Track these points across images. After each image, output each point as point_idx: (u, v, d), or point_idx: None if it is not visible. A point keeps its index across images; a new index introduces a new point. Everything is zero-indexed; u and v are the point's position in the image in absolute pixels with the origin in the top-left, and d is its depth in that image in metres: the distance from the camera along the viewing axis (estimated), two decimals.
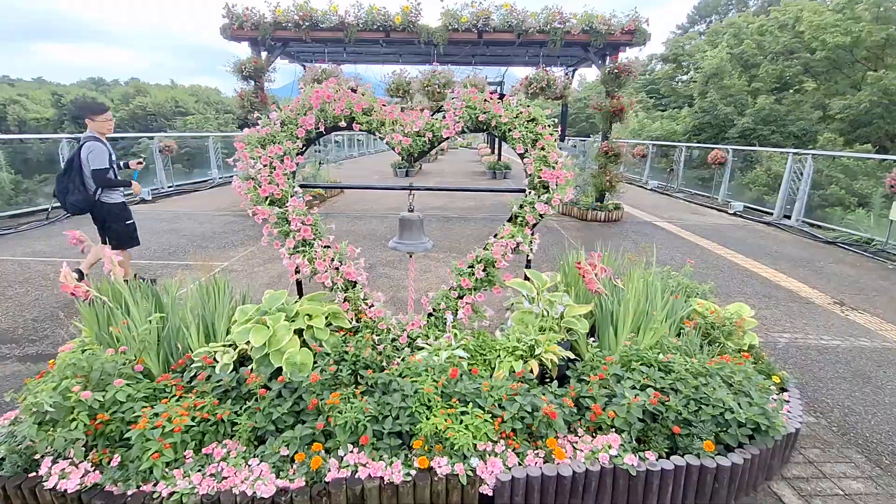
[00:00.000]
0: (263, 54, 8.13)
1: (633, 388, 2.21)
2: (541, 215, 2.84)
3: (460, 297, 2.72)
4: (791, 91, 19.85)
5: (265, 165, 2.77)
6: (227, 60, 7.75)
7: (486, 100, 2.99)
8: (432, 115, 2.98)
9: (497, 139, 18.19)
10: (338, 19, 7.35)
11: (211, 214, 8.25)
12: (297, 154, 2.91)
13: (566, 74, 11.17)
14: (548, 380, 2.46)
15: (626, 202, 10.80)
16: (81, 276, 4.36)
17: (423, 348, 2.56)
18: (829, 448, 2.44)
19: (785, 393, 2.54)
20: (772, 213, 8.94)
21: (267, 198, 2.74)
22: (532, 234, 2.86)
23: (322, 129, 2.93)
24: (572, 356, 2.57)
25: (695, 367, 2.34)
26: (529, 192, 2.90)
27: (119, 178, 4.47)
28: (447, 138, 3.00)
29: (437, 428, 1.99)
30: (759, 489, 2.14)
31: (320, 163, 11.27)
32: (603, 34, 7.39)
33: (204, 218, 7.91)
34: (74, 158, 4.21)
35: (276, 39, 7.68)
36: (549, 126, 3.04)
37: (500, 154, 15.97)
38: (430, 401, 2.12)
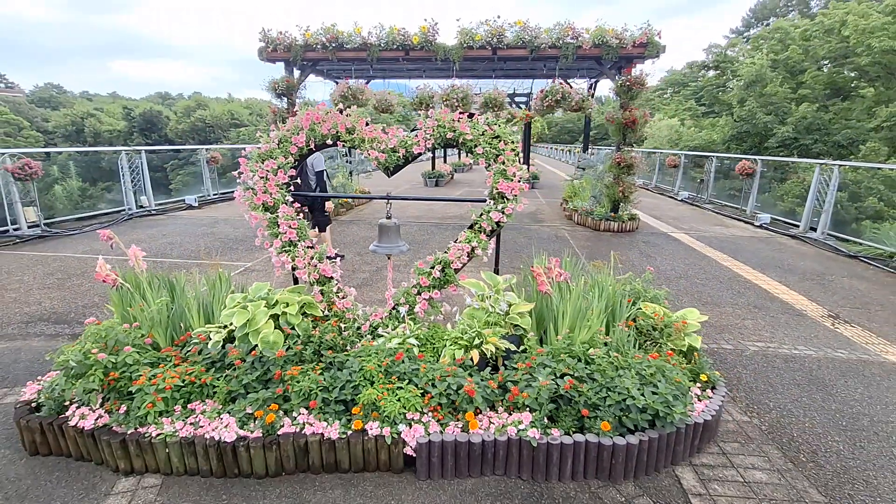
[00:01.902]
0: (296, 73, 8.89)
1: (553, 375, 2.49)
2: (497, 223, 3.17)
3: (419, 294, 3.09)
4: (840, 99, 18.72)
5: (262, 178, 3.27)
6: (266, 77, 8.55)
7: (454, 119, 3.37)
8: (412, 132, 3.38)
9: (528, 149, 18.37)
10: (361, 40, 7.97)
11: (246, 220, 9.04)
12: (291, 168, 3.39)
13: (589, 87, 11.32)
14: (490, 367, 2.78)
15: (650, 213, 10.78)
16: (332, 258, 4.90)
17: (381, 336, 2.95)
18: (750, 443, 2.60)
19: (710, 391, 2.73)
20: (798, 226, 8.68)
21: (261, 205, 3.23)
22: (489, 240, 3.20)
23: (312, 146, 3.40)
24: (514, 348, 2.87)
25: (619, 360, 2.59)
26: (488, 202, 3.24)
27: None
28: (419, 154, 3.40)
29: (373, 398, 2.37)
30: (663, 472, 2.36)
31: (351, 172, 11.97)
32: (615, 48, 7.57)
33: (239, 223, 8.70)
34: (303, 165, 5.21)
35: (306, 60, 8.41)
36: (511, 143, 3.38)
37: (528, 163, 16.15)
38: (372, 377, 2.50)
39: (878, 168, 9.74)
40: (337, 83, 9.45)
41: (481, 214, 3.20)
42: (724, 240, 8.00)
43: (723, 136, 20.45)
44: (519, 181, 3.22)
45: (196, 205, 10.80)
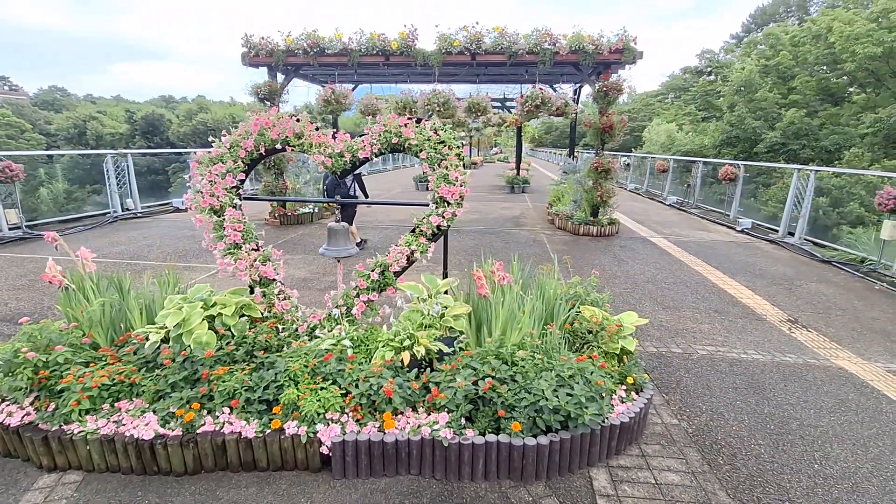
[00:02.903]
0: (280, 77, 8.99)
1: (476, 376, 2.53)
2: (438, 227, 3.22)
3: (358, 296, 3.14)
4: (831, 104, 18.70)
5: (209, 181, 3.33)
6: (257, 82, 8.64)
7: (400, 125, 3.43)
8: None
9: (520, 152, 18.43)
10: (342, 46, 8.05)
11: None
12: (241, 172, 3.44)
13: (574, 92, 11.38)
14: (422, 368, 2.82)
15: (636, 217, 10.81)
16: (359, 243, 7.09)
17: (318, 337, 3.00)
18: (672, 446, 2.63)
19: (636, 393, 2.76)
20: (778, 231, 8.69)
21: (208, 208, 3.29)
22: (430, 243, 3.24)
23: (262, 151, 3.45)
24: (447, 349, 2.91)
25: (543, 362, 2.63)
26: (431, 206, 3.29)
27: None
28: (365, 158, 3.45)
29: (294, 398, 2.41)
30: (577, 473, 2.39)
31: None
32: (591, 54, 7.63)
33: None
34: None
35: (288, 65, 8.49)
36: (456, 148, 3.43)
37: (518, 168, 16.22)
38: (297, 377, 2.55)
39: (856, 173, 9.74)
40: (324, 86, 9.52)
41: (423, 218, 3.25)
42: (701, 244, 8.01)
43: (713, 140, 20.45)
44: (461, 185, 3.28)
45: (183, 207, 10.86)
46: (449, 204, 3.24)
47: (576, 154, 12.78)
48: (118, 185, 9.62)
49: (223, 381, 2.51)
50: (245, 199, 3.86)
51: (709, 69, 32.57)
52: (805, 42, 18.13)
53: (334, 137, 3.50)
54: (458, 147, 3.43)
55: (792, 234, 8.26)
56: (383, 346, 2.82)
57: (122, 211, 9.64)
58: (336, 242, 3.51)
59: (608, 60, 7.75)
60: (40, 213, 8.64)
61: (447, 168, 3.30)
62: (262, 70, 8.90)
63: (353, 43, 8.08)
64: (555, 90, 11.00)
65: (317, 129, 3.56)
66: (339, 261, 3.66)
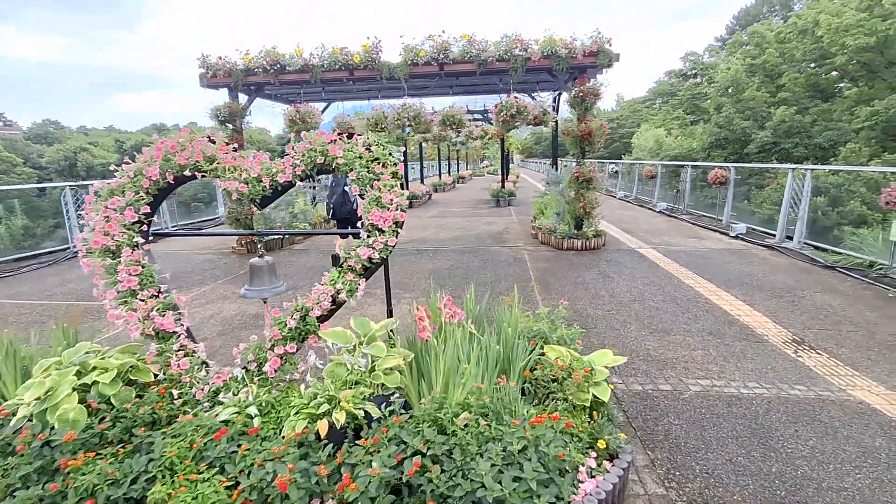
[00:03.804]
0: (243, 98, 8.57)
1: (405, 453, 1.99)
2: (370, 260, 2.71)
3: (272, 348, 2.61)
4: (822, 100, 18.36)
5: (105, 218, 2.83)
6: (210, 105, 8.20)
7: (326, 142, 2.96)
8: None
9: (504, 164, 18.04)
10: (303, 62, 7.64)
11: (193, 253, 8.60)
12: (145, 205, 2.94)
13: (554, 100, 10.99)
14: (348, 438, 2.27)
15: (624, 226, 10.32)
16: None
17: (222, 403, 2.46)
18: None
19: (611, 461, 2.21)
20: (774, 236, 8.19)
21: (99, 249, 2.78)
22: (360, 280, 2.72)
23: (171, 179, 2.95)
24: (377, 413, 2.37)
25: (490, 430, 2.09)
26: (363, 235, 2.78)
27: None
28: (288, 183, 2.96)
29: (162, 497, 1.87)
30: None
31: (314, 198, 11.59)
32: (565, 58, 7.21)
33: (184, 257, 8.27)
34: (344, 183, 6.97)
35: (248, 84, 8.08)
36: (392, 166, 2.95)
37: (503, 181, 15.78)
38: (175, 465, 2.00)
39: (855, 170, 9.29)
40: (293, 105, 9.11)
41: (351, 251, 2.74)
42: (693, 254, 7.50)
43: (702, 143, 20.05)
44: (396, 209, 2.78)
45: (151, 238, 10.37)
46: (382, 232, 2.74)
47: (562, 164, 12.34)
48: (78, 218, 9.12)
49: (82, 474, 1.96)
50: (156, 234, 3.35)
51: (693, 71, 32.49)
52: (791, 38, 17.86)
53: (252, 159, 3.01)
54: (395, 164, 2.95)
55: (790, 238, 7.76)
56: (295, 414, 2.28)
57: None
58: (260, 280, 2.99)
59: (583, 64, 7.33)
60: None
61: (380, 189, 2.81)
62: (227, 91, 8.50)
63: (315, 58, 7.67)
64: (534, 99, 10.61)
65: (234, 150, 3.09)
66: (265, 302, 3.14)
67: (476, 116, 16.01)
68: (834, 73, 18.37)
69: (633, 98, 60.02)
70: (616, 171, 17.98)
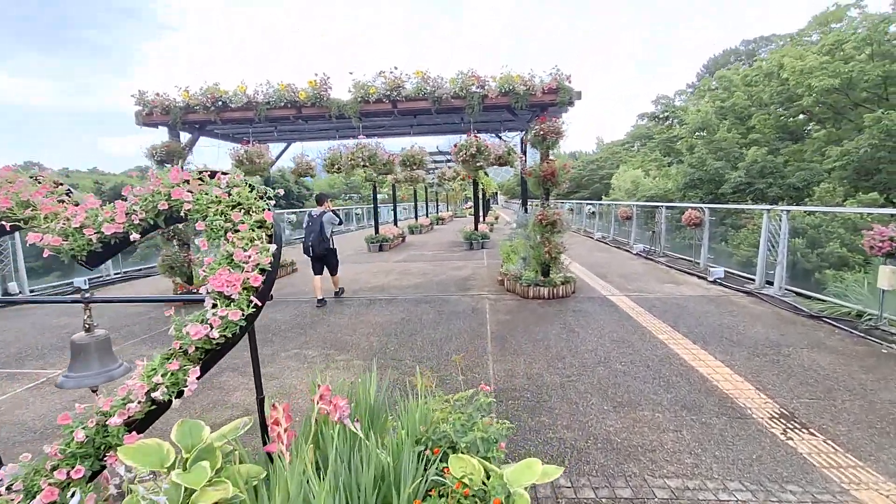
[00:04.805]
0: (186, 137, 8.00)
1: None
2: (210, 340, 1.99)
3: (54, 470, 1.83)
4: (792, 141, 18.60)
5: None
6: (146, 144, 7.58)
7: (174, 183, 2.31)
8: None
9: (481, 203, 17.65)
10: (246, 99, 7.15)
11: (123, 306, 7.75)
12: None
13: (522, 140, 10.66)
14: None
15: (598, 270, 9.76)
16: (338, 293, 7.78)
17: None
18: None
19: None
20: (754, 281, 7.66)
21: None
22: (190, 369, 1.99)
23: None
24: None
25: None
26: (207, 305, 2.08)
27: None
28: (124, 236, 2.28)
29: None
30: None
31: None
32: (523, 95, 6.84)
33: (117, 309, 7.40)
34: (322, 224, 7.05)
35: (189, 122, 7.54)
36: (258, 212, 2.30)
37: (476, 223, 15.30)
38: None
39: (832, 211, 8.94)
40: (242, 143, 8.54)
41: (181, 329, 2.03)
42: (669, 302, 6.89)
43: (677, 184, 20.04)
44: (254, 270, 2.10)
45: (86, 287, 9.49)
46: (230, 301, 2.04)
47: (532, 206, 11.90)
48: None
49: None
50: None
51: (665, 114, 33.39)
52: (758, 81, 18.28)
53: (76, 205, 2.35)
54: (262, 210, 2.30)
55: (770, 284, 7.22)
56: None
57: (1, 296, 8.22)
58: (85, 364, 2.23)
59: (543, 102, 6.95)
60: None
61: (234, 243, 2.14)
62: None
63: (260, 95, 7.19)
64: (501, 139, 10.26)
65: (68, 193, 2.43)
66: (95, 391, 2.36)
67: (449, 157, 15.71)
68: (801, 115, 18.73)
69: (613, 141, 61.91)
70: (594, 212, 17.68)
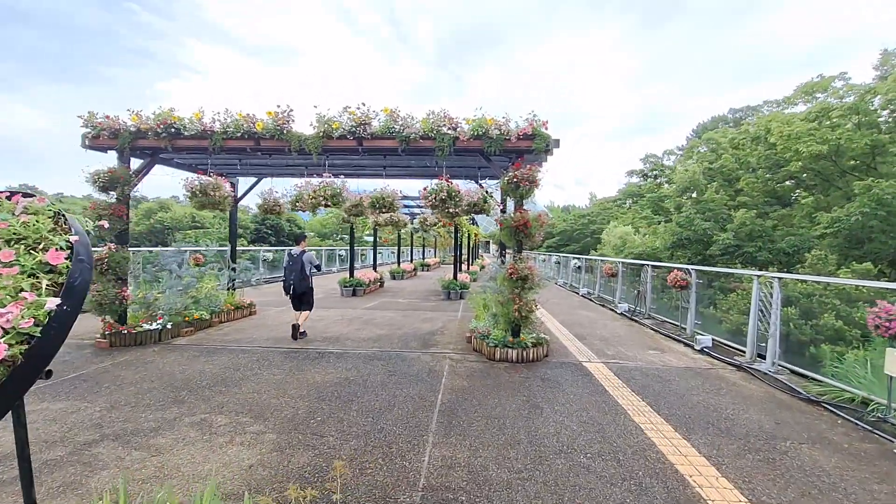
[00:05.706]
0: (136, 163, 7.44)
1: None
2: None
3: None
4: (781, 206, 18.50)
5: None
6: (86, 168, 6.97)
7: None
8: None
9: (461, 251, 17.05)
10: (201, 126, 6.65)
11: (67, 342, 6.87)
12: None
13: (501, 188, 10.23)
14: None
15: (577, 330, 9.03)
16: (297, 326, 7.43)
17: None
18: None
19: None
20: (744, 353, 6.96)
21: None
22: None
23: None
24: None
25: None
26: None
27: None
28: None
29: None
30: None
31: (232, 281, 10.12)
32: (497, 140, 6.40)
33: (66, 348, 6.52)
34: (301, 263, 7.28)
35: (137, 149, 6.99)
36: (44, 252, 1.63)
37: (456, 271, 14.67)
38: None
39: (827, 281, 8.40)
40: (209, 174, 7.97)
41: None
42: (650, 374, 6.14)
43: (665, 243, 19.71)
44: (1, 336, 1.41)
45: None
46: None
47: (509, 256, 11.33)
48: None
49: None
50: None
51: (654, 172, 33.84)
52: (745, 144, 18.43)
53: None
54: (62, 248, 1.64)
55: (762, 357, 6.53)
56: None
57: None
58: None
59: (518, 148, 6.51)
60: None
61: None
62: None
63: (217, 124, 6.70)
64: (481, 186, 9.81)
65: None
66: None
67: (398, 199, 15.26)
68: (789, 181, 18.76)
69: (605, 197, 62.89)
70: (579, 267, 17.15)
